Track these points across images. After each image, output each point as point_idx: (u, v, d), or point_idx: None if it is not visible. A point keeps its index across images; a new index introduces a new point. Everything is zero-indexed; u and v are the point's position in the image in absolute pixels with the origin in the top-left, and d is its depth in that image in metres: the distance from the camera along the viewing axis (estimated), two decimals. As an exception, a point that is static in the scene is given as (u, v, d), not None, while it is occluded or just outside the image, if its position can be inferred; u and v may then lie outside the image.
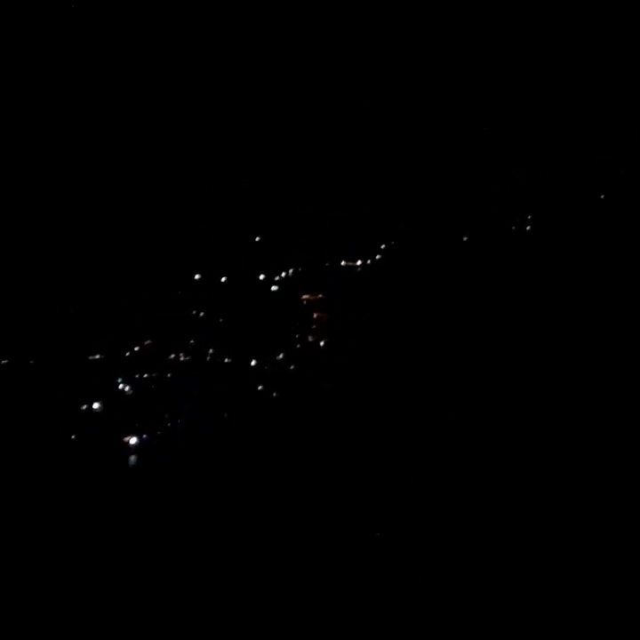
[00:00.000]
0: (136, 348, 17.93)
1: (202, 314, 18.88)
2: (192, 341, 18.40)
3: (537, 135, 20.45)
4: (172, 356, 18.07)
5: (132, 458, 16.53)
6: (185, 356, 18.14)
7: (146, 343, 18.05)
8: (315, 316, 19.22)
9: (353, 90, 19.97)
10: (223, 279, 19.49)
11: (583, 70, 20.33)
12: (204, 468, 16.38)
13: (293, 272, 19.91)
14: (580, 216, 20.34)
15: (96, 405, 16.81)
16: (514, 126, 20.37)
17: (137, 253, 18.72)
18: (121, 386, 17.34)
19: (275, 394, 17.91)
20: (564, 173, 20.53)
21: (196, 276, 19.35)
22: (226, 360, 18.23)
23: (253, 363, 18.24)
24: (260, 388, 17.93)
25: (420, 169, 20.69)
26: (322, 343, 18.82)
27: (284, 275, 19.83)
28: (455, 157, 20.69)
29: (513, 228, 20.53)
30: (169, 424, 17.02)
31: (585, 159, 20.44)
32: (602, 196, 20.34)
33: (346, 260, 20.19)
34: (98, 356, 17.47)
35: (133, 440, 16.61)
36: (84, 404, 16.76)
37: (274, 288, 19.63)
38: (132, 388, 17.39)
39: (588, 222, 20.23)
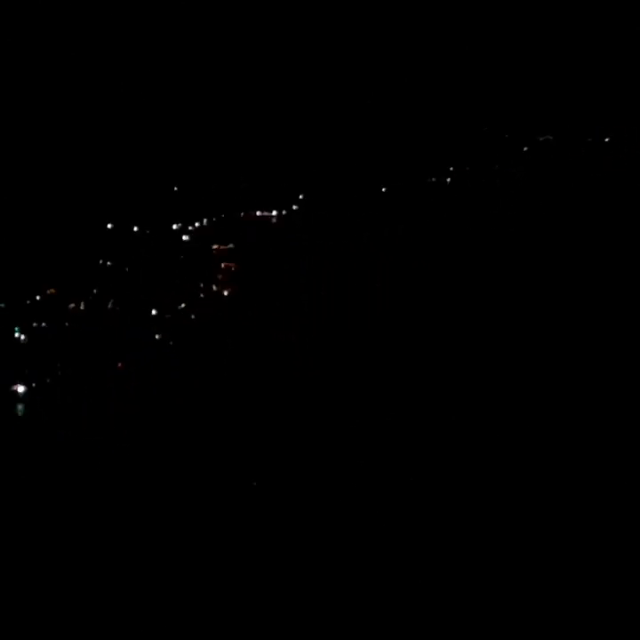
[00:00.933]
0: (37, 297, 18.12)
1: (108, 263, 19.01)
2: (96, 291, 18.55)
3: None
4: (73, 305, 18.24)
5: (20, 406, 16.78)
6: (86, 304, 18.30)
7: (48, 292, 18.23)
8: (223, 265, 19.25)
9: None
10: (135, 228, 19.58)
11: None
12: (95, 416, 16.54)
13: (207, 222, 19.93)
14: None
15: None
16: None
17: (45, 198, 18.80)
18: (17, 334, 17.57)
19: (171, 342, 18.04)
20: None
21: (109, 226, 19.46)
22: (127, 308, 18.37)
23: (154, 312, 18.38)
24: (157, 337, 18.06)
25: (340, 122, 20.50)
26: (226, 293, 18.87)
27: (197, 225, 19.85)
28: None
29: (444, 180, 20.35)
30: (60, 373, 17.23)
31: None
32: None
33: (261, 211, 20.16)
34: (-3, 305, 17.71)
35: (22, 388, 16.84)
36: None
37: (185, 237, 19.67)
38: (27, 337, 17.60)
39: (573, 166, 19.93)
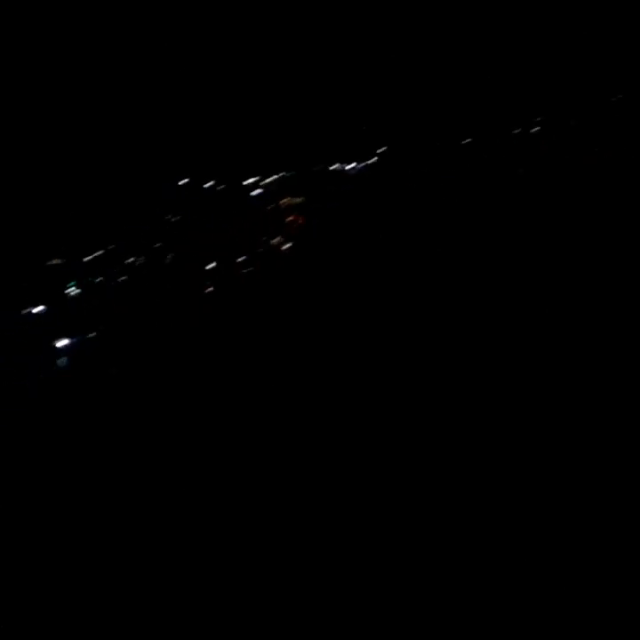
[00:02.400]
0: (98, 253, 18.09)
1: (174, 218, 18.75)
2: (159, 244, 18.32)
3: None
4: (132, 259, 18.08)
5: (63, 360, 16.74)
6: (145, 259, 18.10)
7: (109, 248, 18.17)
8: (289, 219, 18.56)
9: None
10: (208, 184, 19.21)
11: None
12: (140, 371, 16.31)
13: (280, 176, 19.32)
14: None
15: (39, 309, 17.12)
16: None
17: (117, 151, 18.71)
18: (71, 290, 17.58)
19: (220, 294, 17.51)
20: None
21: (181, 182, 19.19)
22: (186, 264, 18.05)
23: (211, 265, 17.94)
24: (210, 290, 17.61)
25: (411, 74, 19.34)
26: (285, 247, 18.16)
27: (270, 179, 19.28)
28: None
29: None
30: (104, 327, 17.08)
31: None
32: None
33: (336, 164, 19.35)
34: (56, 261, 17.77)
35: (65, 342, 16.79)
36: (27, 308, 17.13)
37: (257, 191, 19.13)
38: (81, 292, 17.59)
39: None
